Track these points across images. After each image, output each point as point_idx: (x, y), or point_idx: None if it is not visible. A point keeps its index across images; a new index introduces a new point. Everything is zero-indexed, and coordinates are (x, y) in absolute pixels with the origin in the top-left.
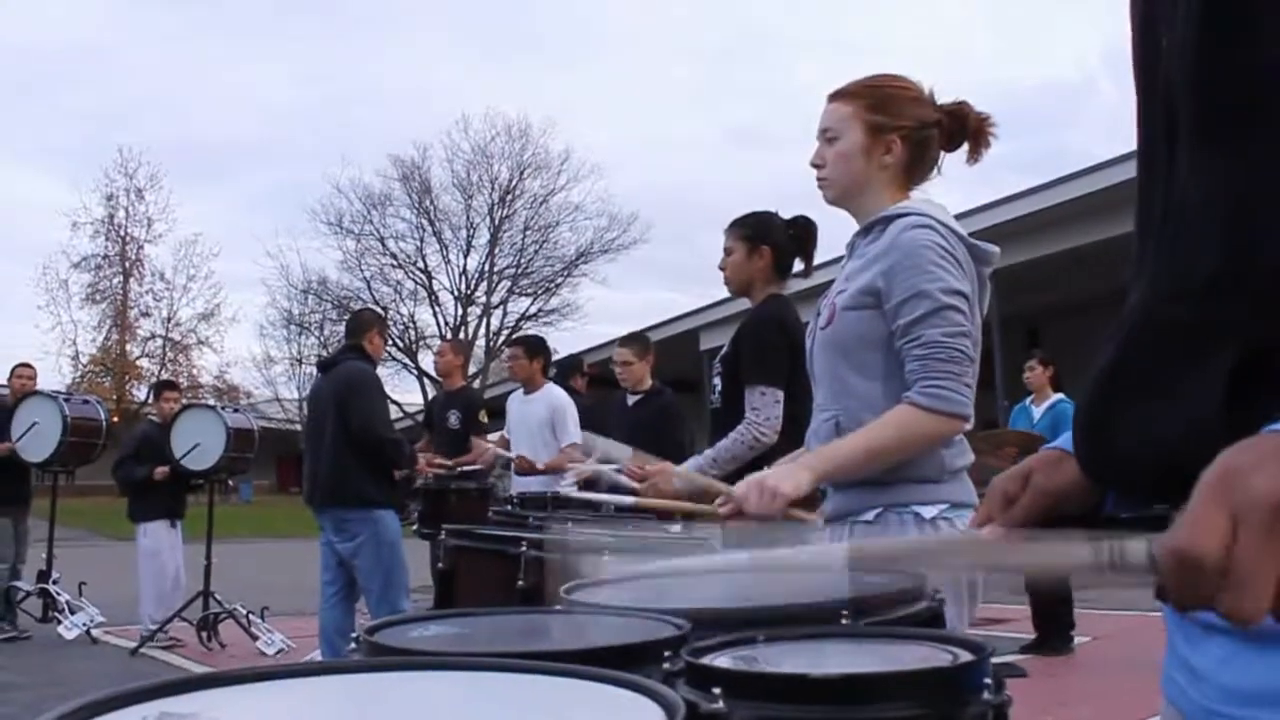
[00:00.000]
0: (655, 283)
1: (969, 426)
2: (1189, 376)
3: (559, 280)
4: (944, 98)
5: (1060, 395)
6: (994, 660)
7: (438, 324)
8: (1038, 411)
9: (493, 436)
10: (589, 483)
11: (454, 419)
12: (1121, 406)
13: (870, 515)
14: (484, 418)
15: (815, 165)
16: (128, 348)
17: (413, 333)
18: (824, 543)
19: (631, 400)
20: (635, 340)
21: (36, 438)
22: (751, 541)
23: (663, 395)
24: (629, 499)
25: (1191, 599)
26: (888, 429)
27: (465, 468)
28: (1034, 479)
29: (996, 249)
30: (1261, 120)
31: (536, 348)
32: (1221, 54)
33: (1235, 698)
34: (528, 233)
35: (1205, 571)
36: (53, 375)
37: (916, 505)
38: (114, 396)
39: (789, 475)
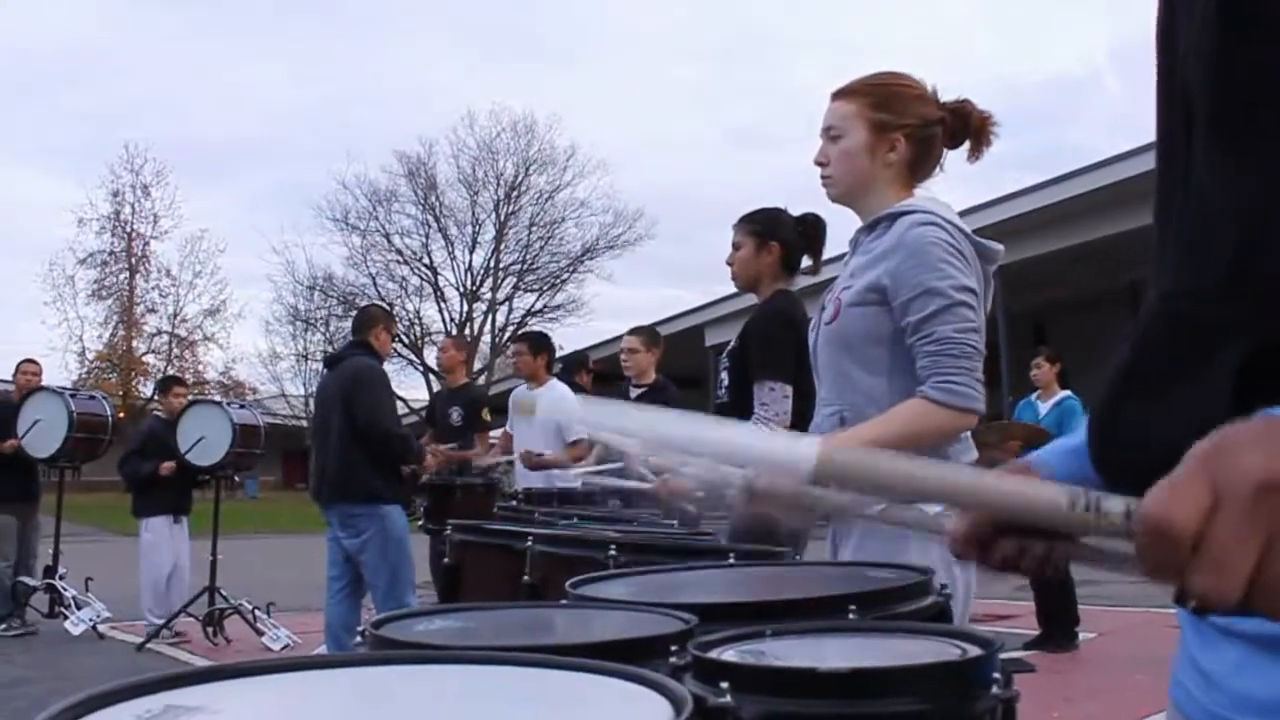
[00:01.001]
0: (660, 280)
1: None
2: (1200, 375)
3: (564, 276)
4: (945, 96)
5: (1067, 392)
6: (1003, 655)
7: (443, 320)
8: (1044, 407)
9: (495, 434)
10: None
11: (456, 415)
12: (1134, 405)
13: (874, 510)
14: (486, 415)
15: (819, 163)
16: (134, 344)
17: (418, 329)
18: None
19: (634, 394)
20: (645, 330)
21: (42, 434)
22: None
23: (666, 390)
24: (647, 485)
25: (1162, 570)
26: (901, 422)
27: (473, 462)
28: None
29: (1001, 246)
30: (1276, 120)
31: (540, 344)
32: (1236, 54)
33: (1248, 706)
34: (533, 229)
35: (1177, 542)
36: (59, 371)
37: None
38: (120, 392)
39: None
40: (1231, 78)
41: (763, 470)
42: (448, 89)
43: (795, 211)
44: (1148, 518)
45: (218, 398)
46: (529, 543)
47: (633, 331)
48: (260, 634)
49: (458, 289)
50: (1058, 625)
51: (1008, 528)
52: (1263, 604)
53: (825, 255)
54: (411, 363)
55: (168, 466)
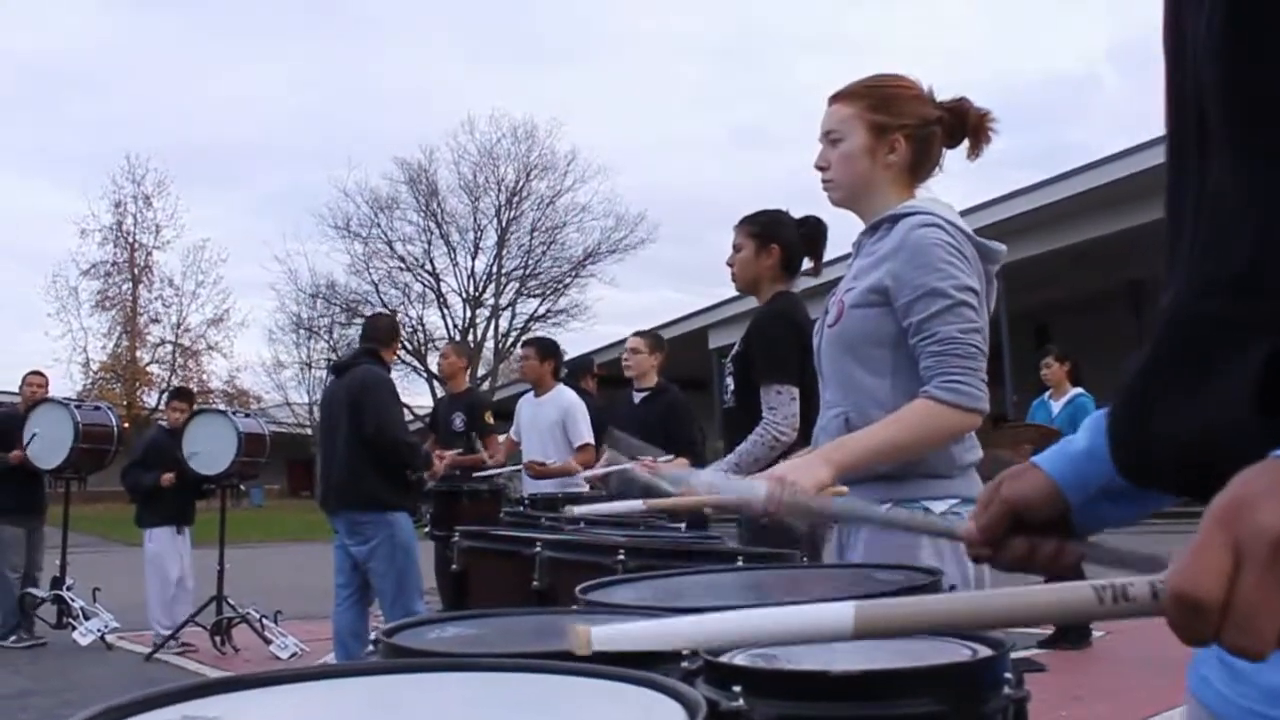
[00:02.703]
0: (661, 282)
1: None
2: (1220, 374)
3: (567, 281)
4: (944, 95)
5: (1079, 389)
6: (1013, 655)
7: (446, 326)
8: (1056, 406)
9: (500, 438)
10: (601, 482)
11: (458, 421)
12: (1153, 405)
13: (883, 513)
14: (489, 418)
15: (820, 168)
16: (138, 354)
17: (421, 335)
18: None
19: (638, 398)
20: (649, 334)
21: (48, 445)
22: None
23: (669, 392)
24: (639, 504)
25: (1196, 637)
26: (908, 424)
27: (479, 472)
28: (1001, 488)
29: (1003, 247)
30: None
31: (549, 350)
32: (1247, 52)
33: (1278, 698)
34: (535, 234)
35: (1206, 612)
36: (64, 382)
37: (926, 500)
38: (125, 403)
39: (809, 471)
40: (1245, 75)
41: (803, 642)
42: (448, 90)
43: (797, 213)
44: (1175, 595)
45: (222, 407)
46: (537, 548)
47: (636, 333)
48: (268, 642)
49: (460, 295)
50: (1070, 624)
51: (1019, 527)
52: None
53: (827, 256)
54: (415, 369)
55: (168, 478)
